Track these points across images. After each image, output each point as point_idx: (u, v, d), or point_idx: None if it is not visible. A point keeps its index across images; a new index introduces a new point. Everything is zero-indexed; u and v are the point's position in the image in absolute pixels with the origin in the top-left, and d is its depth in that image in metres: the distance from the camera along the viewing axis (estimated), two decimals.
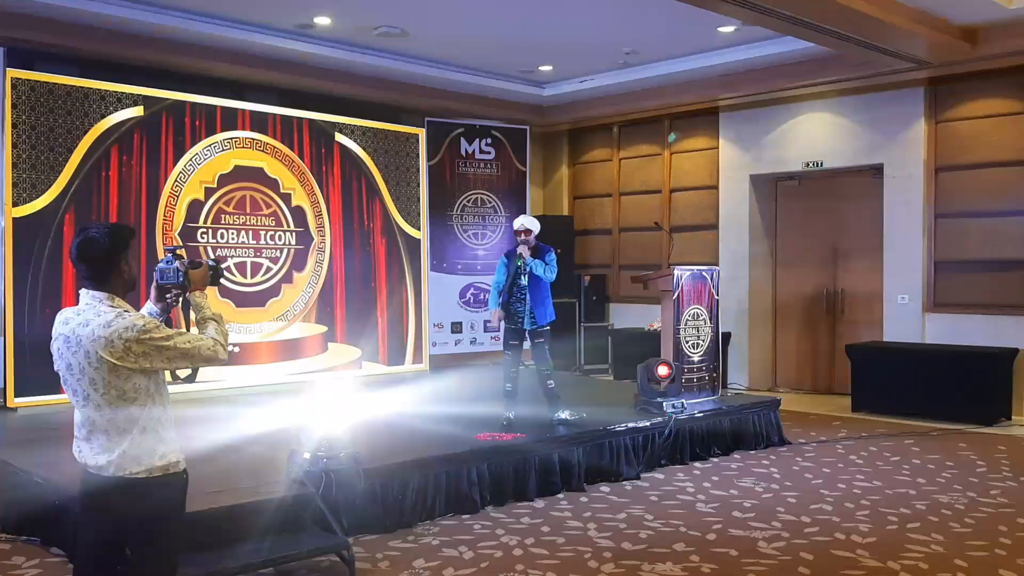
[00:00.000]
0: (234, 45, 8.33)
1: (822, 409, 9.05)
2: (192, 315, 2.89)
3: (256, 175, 8.84)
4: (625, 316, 11.47)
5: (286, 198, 9.06)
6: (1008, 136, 8.55)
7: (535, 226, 6.65)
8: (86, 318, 2.63)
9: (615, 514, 5.32)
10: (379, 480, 4.98)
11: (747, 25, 7.73)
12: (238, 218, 8.69)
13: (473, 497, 5.39)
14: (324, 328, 9.32)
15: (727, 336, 9.94)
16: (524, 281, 6.55)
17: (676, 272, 7.20)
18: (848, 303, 9.95)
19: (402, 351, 9.97)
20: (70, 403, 2.73)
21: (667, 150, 11.12)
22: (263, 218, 8.88)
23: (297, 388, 8.15)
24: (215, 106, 8.59)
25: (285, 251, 9.03)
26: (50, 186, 7.53)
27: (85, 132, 7.74)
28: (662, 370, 6.82)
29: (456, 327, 10.55)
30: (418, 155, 10.22)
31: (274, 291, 8.95)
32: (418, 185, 10.21)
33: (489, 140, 10.84)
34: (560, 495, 5.75)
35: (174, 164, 8.30)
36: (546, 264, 6.52)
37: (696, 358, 7.36)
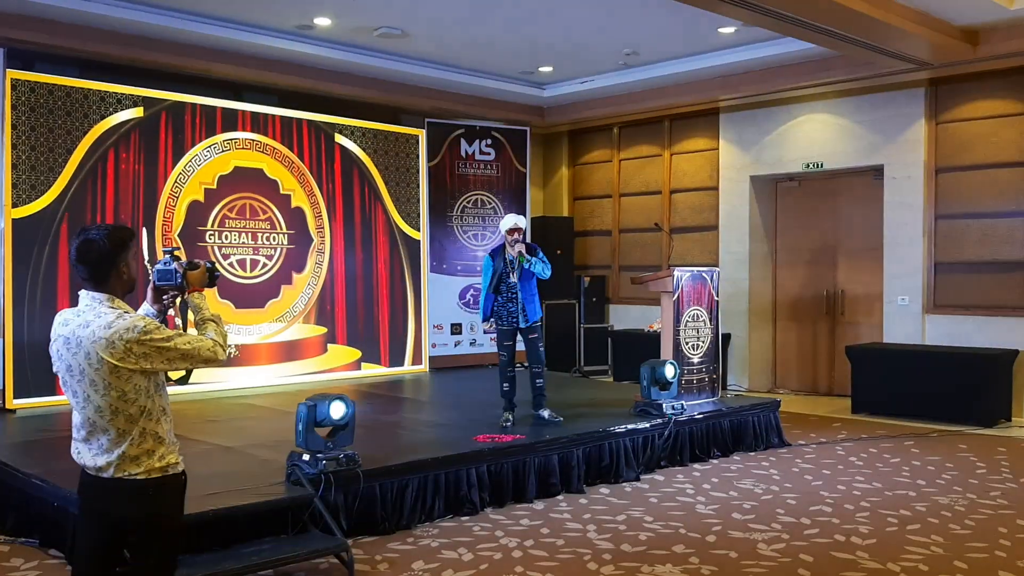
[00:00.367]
0: (234, 46, 8.33)
1: (822, 410, 9.05)
2: (190, 316, 2.89)
3: (256, 176, 8.84)
4: (625, 317, 11.47)
5: (286, 199, 9.06)
6: (1009, 137, 8.54)
7: (525, 224, 6.70)
8: (86, 319, 2.63)
9: (614, 516, 5.32)
10: (378, 482, 4.97)
11: (747, 26, 7.73)
12: (239, 221, 8.69)
13: (472, 499, 5.38)
14: (324, 329, 9.32)
15: (727, 337, 9.94)
16: (514, 279, 6.56)
17: (676, 273, 7.20)
18: (848, 304, 9.95)
19: (401, 352, 9.96)
20: (69, 404, 2.73)
21: (667, 151, 11.12)
22: (261, 221, 8.87)
23: (296, 390, 8.17)
24: (215, 107, 8.59)
25: (283, 252, 9.02)
26: (49, 187, 7.52)
27: (85, 133, 7.73)
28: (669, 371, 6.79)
29: (456, 328, 10.55)
30: (418, 156, 10.22)
31: (273, 292, 8.94)
32: (418, 186, 10.21)
33: (489, 141, 10.84)
34: (559, 497, 5.75)
35: (173, 165, 8.29)
36: (543, 262, 6.58)
37: (696, 359, 7.36)
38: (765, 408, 7.40)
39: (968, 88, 8.76)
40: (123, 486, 2.65)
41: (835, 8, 6.50)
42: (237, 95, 8.97)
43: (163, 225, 8.21)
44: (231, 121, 8.68)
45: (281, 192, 9.03)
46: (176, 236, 8.27)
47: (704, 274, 7.45)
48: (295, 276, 9.12)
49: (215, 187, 8.56)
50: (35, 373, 7.25)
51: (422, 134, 10.28)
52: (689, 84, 9.85)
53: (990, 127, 8.66)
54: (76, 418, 2.70)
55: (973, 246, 8.75)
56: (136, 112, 8.04)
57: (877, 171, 9.43)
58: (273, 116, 9.01)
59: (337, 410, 4.78)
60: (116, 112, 7.92)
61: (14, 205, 7.34)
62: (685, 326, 7.25)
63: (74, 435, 2.72)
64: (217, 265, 2.96)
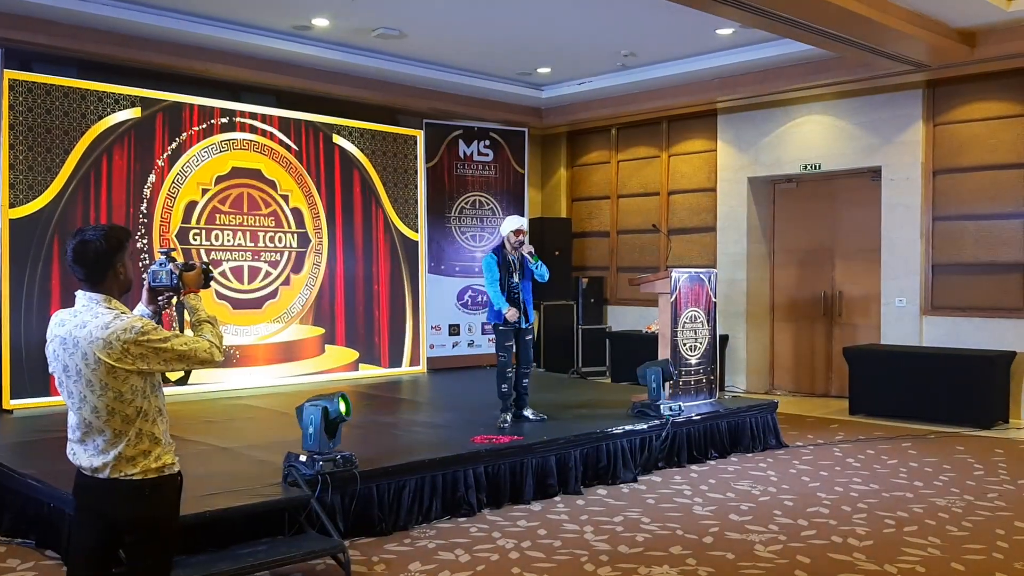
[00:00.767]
0: (232, 47, 8.33)
1: (819, 412, 9.05)
2: (187, 317, 2.88)
3: (253, 177, 8.83)
4: (623, 318, 11.47)
5: (283, 200, 9.05)
6: (1006, 139, 8.55)
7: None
8: (83, 320, 2.63)
9: (612, 517, 5.31)
10: (375, 483, 4.97)
11: (745, 27, 7.74)
12: (235, 218, 8.68)
13: (469, 500, 5.38)
14: (321, 330, 9.31)
15: (724, 338, 9.95)
16: (517, 279, 6.59)
17: (674, 274, 7.20)
18: (846, 306, 9.96)
19: (400, 353, 9.96)
20: (65, 405, 2.73)
21: (665, 152, 11.12)
22: (261, 218, 8.87)
23: (293, 391, 8.17)
24: (213, 107, 8.58)
25: (284, 254, 9.02)
26: (47, 187, 7.51)
27: (82, 133, 7.72)
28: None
29: (454, 329, 10.54)
30: (416, 157, 10.22)
31: (271, 293, 8.94)
32: (416, 187, 10.21)
33: (487, 142, 10.84)
34: (557, 498, 5.74)
35: (171, 166, 8.29)
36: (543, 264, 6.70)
37: (693, 360, 7.36)
38: (762, 409, 7.40)
39: (965, 90, 8.77)
40: (119, 487, 2.65)
41: (832, 9, 6.51)
42: (235, 96, 8.96)
43: (160, 226, 8.20)
44: (229, 122, 8.67)
45: (279, 192, 9.02)
46: (173, 236, 8.26)
47: (702, 275, 7.46)
48: (293, 277, 9.11)
49: (212, 188, 8.55)
50: (32, 373, 7.24)
51: (420, 135, 10.27)
52: (687, 85, 9.85)
53: (987, 129, 8.67)
54: (72, 419, 2.70)
55: (971, 247, 8.76)
56: (134, 112, 8.03)
57: (875, 172, 9.44)
58: (271, 117, 9.00)
59: (343, 405, 4.82)
60: (114, 112, 7.91)
61: (11, 205, 7.33)
62: (683, 327, 7.25)
63: (70, 436, 2.72)
64: (212, 267, 2.96)
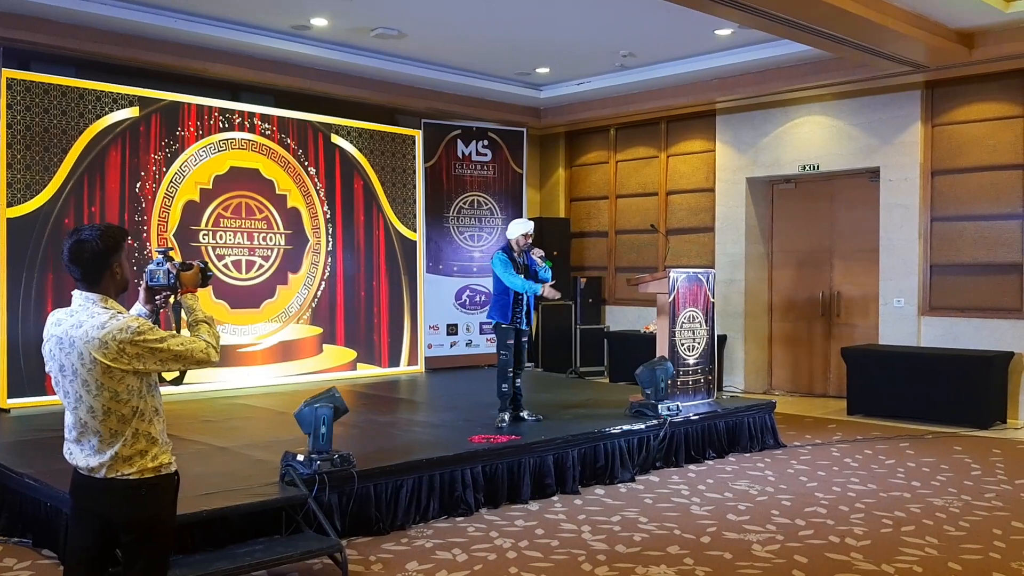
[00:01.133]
0: (230, 46, 8.32)
1: (817, 412, 9.06)
2: (184, 316, 2.88)
3: (252, 176, 8.83)
4: (621, 318, 11.47)
5: (282, 200, 9.05)
6: (1004, 140, 8.56)
7: None
8: (79, 319, 2.62)
9: (609, 517, 5.31)
10: (372, 482, 4.97)
11: (744, 28, 7.74)
12: (234, 221, 8.68)
13: (467, 499, 5.38)
14: (319, 330, 9.31)
15: (723, 339, 9.94)
16: None
17: (672, 275, 7.20)
18: (844, 306, 9.96)
19: (398, 353, 9.96)
20: (62, 404, 2.72)
21: (664, 152, 11.12)
22: (256, 221, 8.87)
23: (291, 390, 8.16)
24: (211, 107, 8.58)
25: (280, 252, 9.02)
26: (45, 187, 7.51)
27: (80, 133, 7.72)
28: None
29: (452, 329, 10.54)
30: (414, 157, 10.22)
31: (269, 292, 8.93)
32: (414, 187, 10.21)
33: (486, 142, 10.83)
34: (554, 497, 5.74)
35: (169, 165, 8.28)
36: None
37: (691, 360, 7.36)
38: (760, 409, 7.41)
39: (964, 91, 8.77)
40: (116, 486, 2.65)
41: (830, 10, 6.51)
42: (233, 95, 8.96)
43: (159, 225, 8.20)
44: (227, 121, 8.67)
45: (277, 192, 9.02)
46: (171, 236, 8.26)
47: (700, 275, 7.46)
48: (291, 276, 9.11)
49: (211, 187, 8.55)
50: (29, 373, 7.24)
51: (418, 135, 10.27)
52: (686, 86, 9.86)
53: (986, 129, 8.67)
54: (68, 418, 2.70)
55: (969, 248, 8.77)
56: (132, 112, 8.02)
57: (873, 173, 9.45)
58: (269, 116, 9.00)
59: (342, 400, 4.85)
60: (112, 112, 7.90)
61: (9, 204, 7.32)
62: (681, 327, 7.26)
63: (66, 435, 2.72)
64: (210, 266, 2.95)
